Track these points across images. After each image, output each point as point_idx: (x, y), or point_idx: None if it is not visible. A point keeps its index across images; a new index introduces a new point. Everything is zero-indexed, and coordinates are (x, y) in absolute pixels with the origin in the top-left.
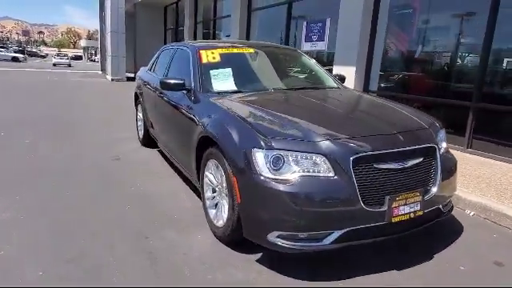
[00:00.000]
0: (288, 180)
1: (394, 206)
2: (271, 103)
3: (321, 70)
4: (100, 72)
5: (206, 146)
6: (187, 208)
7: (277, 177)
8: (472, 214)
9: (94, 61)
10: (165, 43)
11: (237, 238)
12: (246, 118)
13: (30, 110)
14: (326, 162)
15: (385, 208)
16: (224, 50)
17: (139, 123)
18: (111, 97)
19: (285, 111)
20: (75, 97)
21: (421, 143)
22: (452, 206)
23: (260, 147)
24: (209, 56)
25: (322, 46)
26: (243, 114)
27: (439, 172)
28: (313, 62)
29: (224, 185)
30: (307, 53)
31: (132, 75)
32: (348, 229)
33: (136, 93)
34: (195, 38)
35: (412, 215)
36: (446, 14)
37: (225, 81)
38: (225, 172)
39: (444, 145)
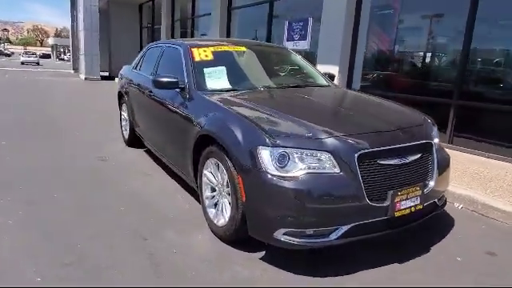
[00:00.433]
0: (294, 177)
1: (396, 200)
2: (270, 101)
3: (312, 69)
4: (72, 71)
5: (204, 144)
6: (184, 208)
7: (283, 174)
8: (460, 206)
9: (64, 59)
10: (141, 41)
11: (240, 236)
12: (249, 116)
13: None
14: (332, 158)
15: (388, 203)
16: (216, 48)
17: (123, 123)
18: (87, 97)
19: (285, 109)
20: (49, 97)
21: (419, 139)
22: (445, 200)
23: (265, 145)
24: (201, 54)
25: (304, 44)
26: (245, 112)
27: (436, 167)
28: (304, 60)
29: (225, 183)
30: None
31: (107, 74)
32: (353, 224)
33: (120, 92)
34: (173, 37)
35: (412, 209)
36: (426, 14)
37: (219, 79)
38: (227, 170)
39: (437, 141)
